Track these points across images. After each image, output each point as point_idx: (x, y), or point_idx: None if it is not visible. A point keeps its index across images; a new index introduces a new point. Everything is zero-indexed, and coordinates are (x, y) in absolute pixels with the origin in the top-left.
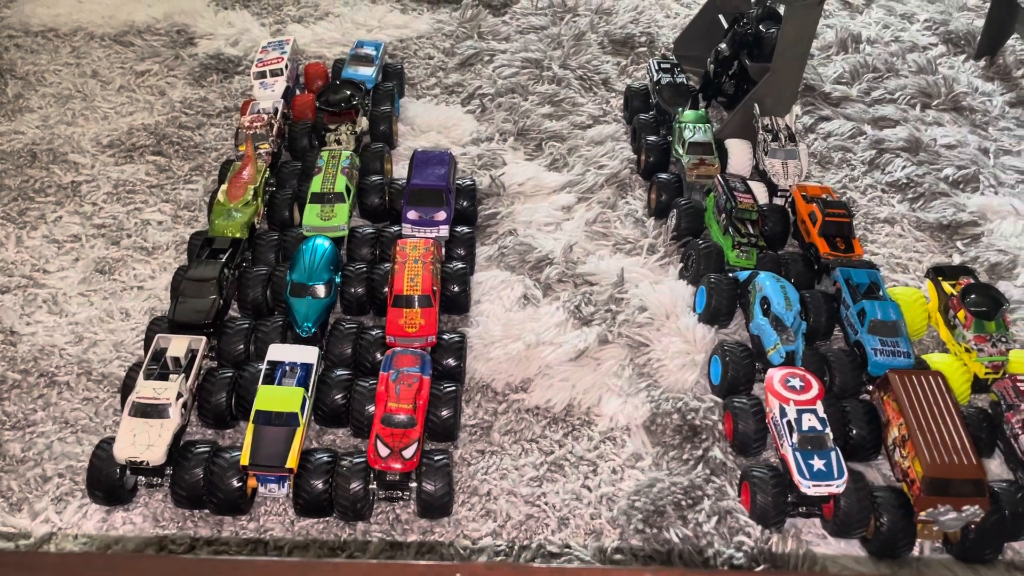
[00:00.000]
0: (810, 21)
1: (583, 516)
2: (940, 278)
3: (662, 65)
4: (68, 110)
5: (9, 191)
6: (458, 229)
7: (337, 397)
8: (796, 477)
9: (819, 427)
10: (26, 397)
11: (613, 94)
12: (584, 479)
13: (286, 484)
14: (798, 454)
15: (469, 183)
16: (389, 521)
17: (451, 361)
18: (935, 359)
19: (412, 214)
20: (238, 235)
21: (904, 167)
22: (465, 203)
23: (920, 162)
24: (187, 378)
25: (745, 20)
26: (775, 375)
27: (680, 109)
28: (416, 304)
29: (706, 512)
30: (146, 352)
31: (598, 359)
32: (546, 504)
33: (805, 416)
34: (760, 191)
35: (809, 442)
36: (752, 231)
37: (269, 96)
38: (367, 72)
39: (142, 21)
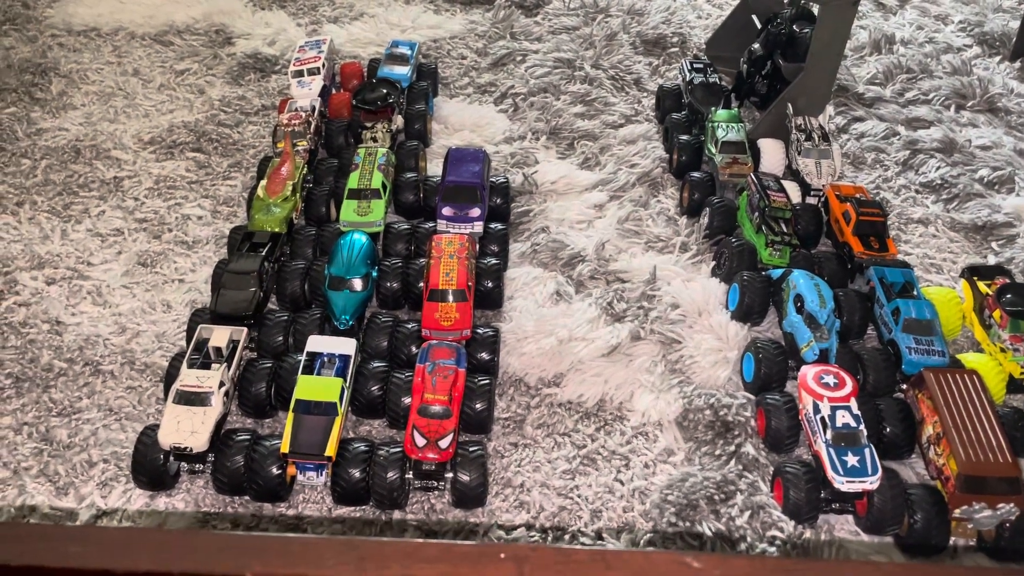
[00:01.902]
0: (844, 21)
1: (616, 509)
2: (975, 278)
3: (695, 65)
4: (110, 107)
5: (54, 186)
6: (492, 225)
7: (374, 388)
8: (830, 473)
9: (853, 423)
10: (72, 385)
11: (645, 94)
12: (616, 473)
13: (324, 472)
14: (832, 450)
15: (502, 180)
16: (424, 511)
17: (485, 355)
18: (970, 359)
19: (447, 210)
20: (277, 229)
21: (938, 168)
22: (498, 200)
23: (954, 163)
24: (229, 367)
25: (779, 20)
26: (808, 372)
27: (713, 108)
28: (451, 298)
29: (739, 507)
30: (188, 342)
31: (630, 355)
32: (579, 497)
33: (839, 412)
34: (793, 191)
35: (843, 438)
36: (786, 229)
37: (306, 94)
38: (402, 71)
39: (181, 21)
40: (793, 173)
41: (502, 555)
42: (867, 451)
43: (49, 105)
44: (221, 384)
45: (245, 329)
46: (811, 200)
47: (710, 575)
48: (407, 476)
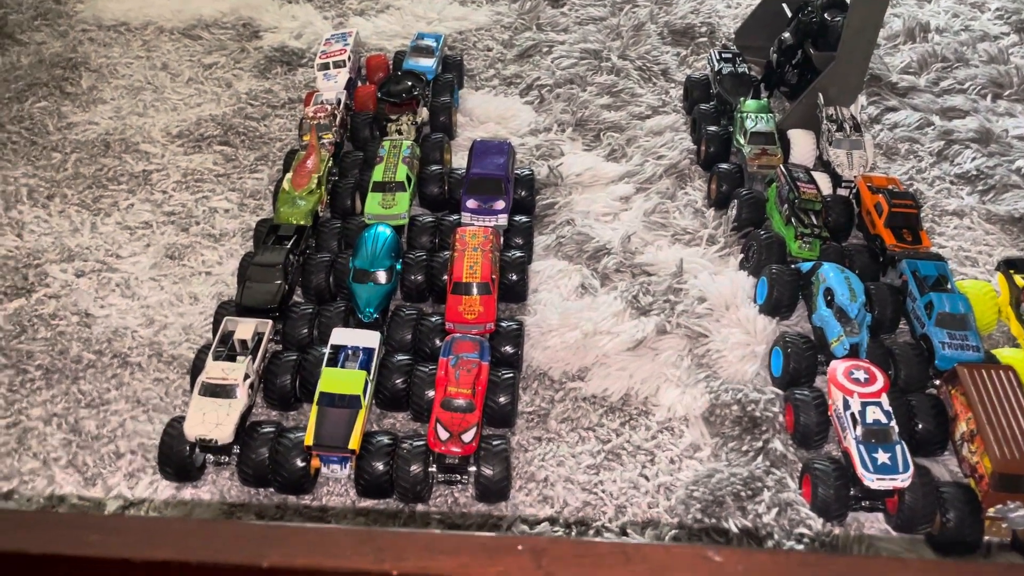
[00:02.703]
0: (877, 9)
1: (640, 504)
2: (1012, 271)
3: (723, 55)
4: (139, 101)
5: (84, 179)
6: (516, 218)
7: (398, 381)
8: (860, 470)
9: (884, 420)
10: (100, 377)
11: (672, 84)
12: (642, 468)
13: (348, 465)
14: (862, 447)
15: (527, 173)
16: (448, 504)
17: (508, 348)
18: (1006, 354)
19: (471, 203)
20: (303, 222)
21: (974, 158)
22: (523, 193)
23: (991, 153)
24: (254, 360)
25: (810, 8)
26: (839, 367)
27: (742, 99)
28: (475, 291)
29: (766, 503)
30: (214, 335)
31: (656, 349)
32: (603, 492)
33: (869, 409)
34: (824, 182)
35: (873, 435)
36: (815, 221)
37: (332, 87)
38: (428, 63)
39: (209, 15)
40: (824, 164)
41: (520, 547)
42: (898, 448)
43: (79, 99)
44: (246, 376)
45: (270, 322)
46: (842, 192)
47: (732, 569)
48: (430, 469)
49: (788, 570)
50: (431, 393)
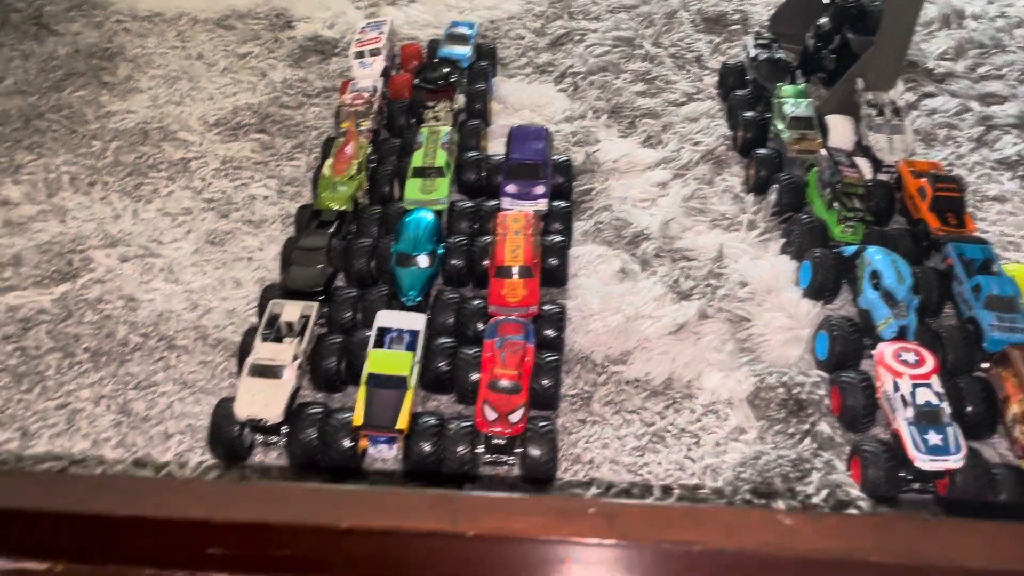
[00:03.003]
0: None
1: (687, 486)
2: None
3: (759, 41)
4: (176, 90)
5: (124, 167)
6: (555, 203)
7: (441, 364)
8: (911, 452)
9: (935, 401)
10: (147, 359)
11: (707, 72)
12: (687, 450)
13: (395, 446)
14: (913, 428)
15: (564, 159)
16: (494, 485)
17: (551, 332)
18: None
19: (511, 188)
20: (344, 207)
21: (1015, 144)
22: (560, 179)
23: None
24: (301, 341)
25: None
26: (887, 349)
27: (779, 84)
28: (518, 275)
29: (815, 485)
30: (260, 317)
31: (698, 333)
32: (649, 473)
33: (920, 390)
34: (864, 167)
35: (924, 416)
36: (859, 205)
37: (368, 75)
38: (463, 51)
39: (242, 5)
40: (863, 149)
41: (591, 509)
42: (950, 429)
43: (117, 88)
44: (294, 357)
45: (316, 304)
46: (882, 177)
47: (802, 531)
48: (477, 450)
49: (858, 532)
50: (475, 376)
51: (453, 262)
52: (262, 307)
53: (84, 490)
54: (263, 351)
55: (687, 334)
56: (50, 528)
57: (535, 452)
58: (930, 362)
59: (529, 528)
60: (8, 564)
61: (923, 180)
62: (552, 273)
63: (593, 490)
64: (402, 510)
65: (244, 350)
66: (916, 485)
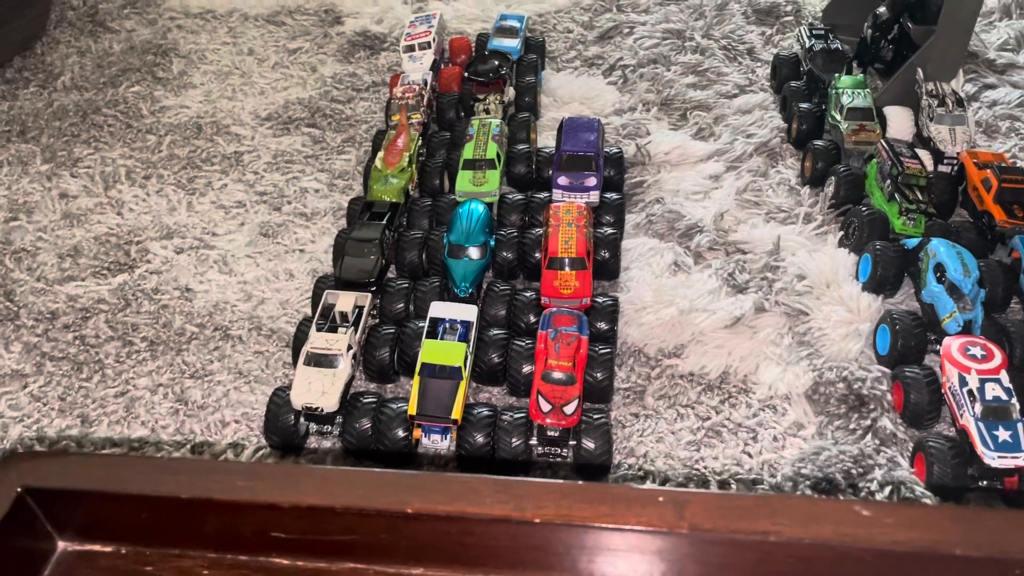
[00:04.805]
0: None
1: (745, 481)
2: None
3: (814, 31)
4: (228, 86)
5: (179, 160)
6: (607, 195)
7: (494, 356)
8: (979, 448)
9: (1004, 397)
10: (203, 349)
11: (759, 64)
12: (744, 445)
13: (449, 436)
14: (981, 424)
15: (616, 151)
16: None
17: (604, 325)
18: None
19: (563, 180)
20: (395, 199)
21: None
22: (612, 172)
23: None
24: (355, 331)
25: None
26: (953, 343)
27: (836, 75)
28: (570, 266)
29: (878, 482)
30: (313, 308)
31: (754, 327)
32: (705, 468)
33: (988, 385)
34: (925, 158)
35: (993, 412)
36: (921, 197)
37: (418, 69)
38: (512, 43)
39: (292, 2)
40: (923, 141)
41: (660, 498)
42: (1019, 425)
43: (171, 84)
44: (349, 347)
45: (369, 295)
46: (943, 169)
47: (882, 522)
48: (531, 442)
49: (940, 524)
50: (527, 368)
51: (503, 254)
52: (315, 298)
53: (150, 472)
54: (318, 340)
55: (743, 328)
56: (116, 510)
57: (589, 444)
58: (998, 357)
59: (595, 516)
60: (73, 546)
61: (987, 171)
62: (604, 266)
63: (649, 483)
64: (467, 496)
65: (299, 340)
66: (983, 482)
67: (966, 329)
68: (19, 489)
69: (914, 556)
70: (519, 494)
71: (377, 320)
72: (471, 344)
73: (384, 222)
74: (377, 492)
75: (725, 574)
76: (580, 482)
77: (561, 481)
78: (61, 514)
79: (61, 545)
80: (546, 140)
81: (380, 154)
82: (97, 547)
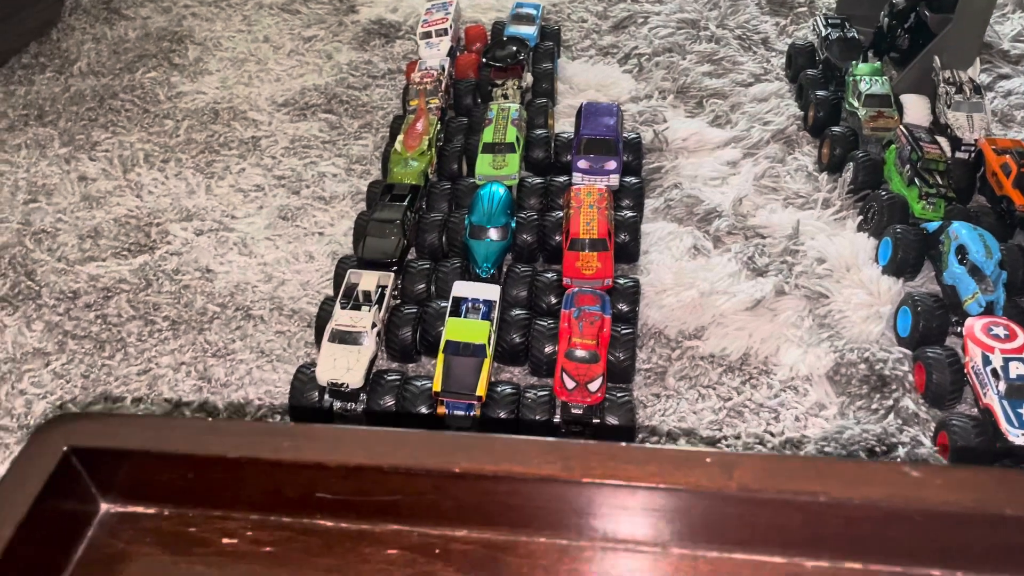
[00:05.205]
0: None
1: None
2: None
3: (830, 20)
4: (244, 72)
5: (197, 144)
6: (627, 179)
7: (516, 336)
8: (1004, 426)
9: None
10: (225, 328)
11: (773, 53)
12: (766, 425)
13: (473, 413)
14: (1005, 402)
15: (634, 137)
16: None
17: (625, 306)
18: None
19: (583, 163)
20: (416, 182)
21: None
22: (630, 157)
23: None
24: (379, 310)
25: None
26: (976, 323)
27: (853, 63)
28: (592, 247)
29: (901, 459)
30: (336, 287)
31: (774, 309)
32: (728, 447)
33: (1012, 364)
34: (943, 145)
35: (1017, 391)
36: (940, 181)
37: (435, 55)
38: (529, 30)
39: None
40: (939, 129)
41: (708, 459)
42: None
43: (187, 70)
44: (373, 325)
45: (392, 274)
46: (960, 155)
47: (931, 483)
48: (555, 420)
49: (990, 484)
50: (550, 347)
51: (524, 237)
52: (337, 278)
53: (197, 432)
54: (342, 318)
55: (763, 310)
56: (161, 470)
57: (613, 422)
58: (1021, 336)
59: (643, 476)
60: (117, 507)
61: (1007, 157)
62: (624, 248)
63: None
64: (515, 456)
65: (322, 318)
66: (1007, 461)
67: (988, 310)
68: (64, 448)
69: (964, 516)
70: (567, 455)
71: (399, 300)
72: (494, 323)
73: (405, 204)
74: (425, 452)
75: (773, 535)
76: (625, 444)
77: (608, 443)
78: (105, 475)
79: (104, 507)
80: (562, 127)
81: (400, 137)
82: (140, 508)
